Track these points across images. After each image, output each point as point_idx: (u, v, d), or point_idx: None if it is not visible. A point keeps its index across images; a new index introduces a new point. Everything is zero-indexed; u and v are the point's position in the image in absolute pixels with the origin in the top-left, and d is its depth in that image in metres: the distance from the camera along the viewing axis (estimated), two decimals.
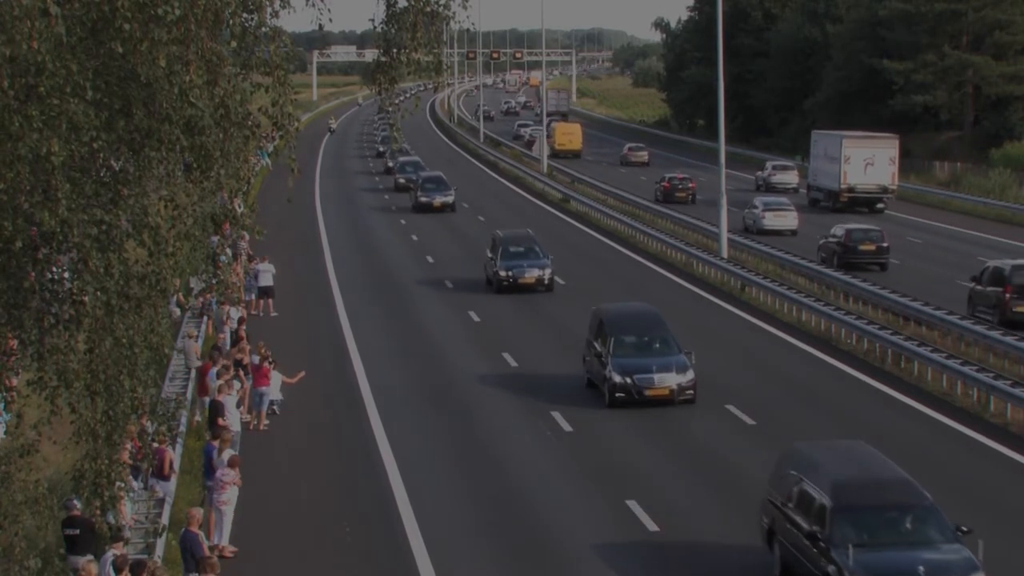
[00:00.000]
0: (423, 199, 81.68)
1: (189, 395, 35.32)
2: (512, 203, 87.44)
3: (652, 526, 27.42)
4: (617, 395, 36.01)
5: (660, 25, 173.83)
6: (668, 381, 36.12)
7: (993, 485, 29.99)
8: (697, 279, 57.01)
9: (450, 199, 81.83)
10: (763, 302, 50.75)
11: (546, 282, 53.79)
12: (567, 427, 34.67)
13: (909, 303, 46.67)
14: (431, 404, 37.38)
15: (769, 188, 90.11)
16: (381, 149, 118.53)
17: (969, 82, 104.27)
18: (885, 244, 58.65)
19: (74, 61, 15.02)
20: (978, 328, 42.05)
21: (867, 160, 78.49)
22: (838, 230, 59.50)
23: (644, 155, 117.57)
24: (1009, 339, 40.30)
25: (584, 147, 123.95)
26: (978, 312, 45.82)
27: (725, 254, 59.21)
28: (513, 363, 41.79)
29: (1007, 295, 44.63)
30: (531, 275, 53.74)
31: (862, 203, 78.96)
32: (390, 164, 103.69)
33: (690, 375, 36.29)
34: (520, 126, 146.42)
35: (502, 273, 53.72)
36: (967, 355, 40.16)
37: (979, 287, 46.42)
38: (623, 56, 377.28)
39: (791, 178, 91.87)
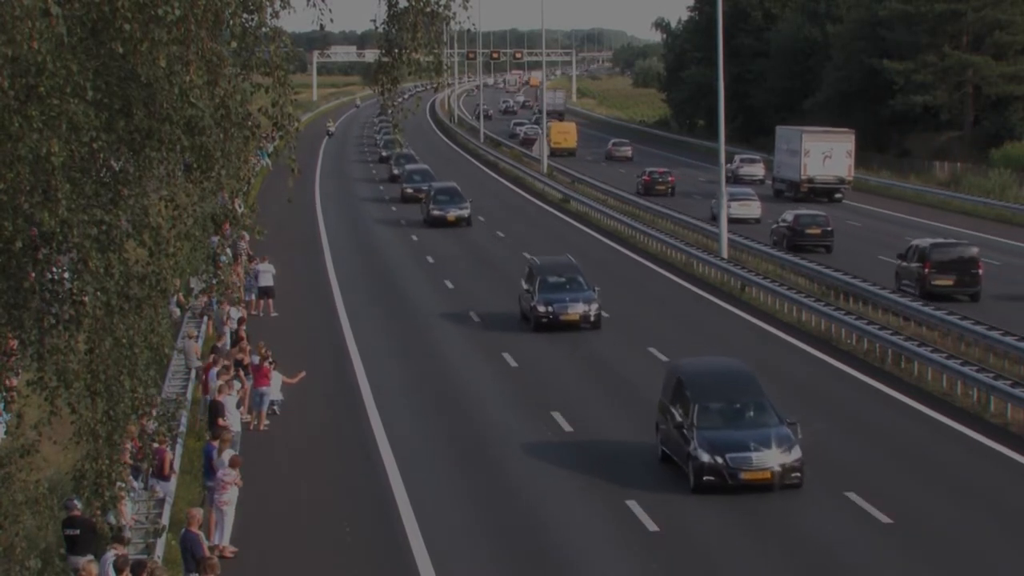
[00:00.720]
0: (436, 212, 74.65)
1: (189, 395, 35.33)
2: (512, 203, 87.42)
3: (652, 526, 27.41)
4: (705, 478, 29.13)
5: (660, 25, 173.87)
6: (769, 461, 28.96)
7: (993, 485, 29.98)
8: (697, 279, 57.00)
9: (465, 212, 74.75)
10: (763, 302, 50.75)
11: (592, 319, 45.97)
12: (567, 427, 34.65)
13: (909, 303, 46.75)
14: (431, 404, 37.38)
15: (737, 180, 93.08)
16: (384, 154, 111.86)
17: (969, 82, 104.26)
18: (830, 228, 64.14)
19: (74, 61, 15.03)
20: (978, 328, 42.10)
21: (825, 153, 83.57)
22: (788, 215, 65.21)
23: (628, 150, 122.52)
24: (1009, 339, 40.36)
25: (580, 146, 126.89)
26: (903, 286, 51.26)
27: (725, 254, 59.23)
28: (513, 363, 41.79)
29: (926, 270, 50.55)
30: (575, 311, 45.97)
31: (821, 193, 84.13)
32: (396, 172, 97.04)
33: (796, 453, 29.11)
34: (515, 124, 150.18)
35: (541, 308, 46.08)
36: (967, 355, 40.16)
37: (904, 263, 52.16)
38: (623, 56, 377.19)
39: (758, 170, 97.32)
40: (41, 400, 16.51)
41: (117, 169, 16.52)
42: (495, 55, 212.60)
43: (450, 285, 56.01)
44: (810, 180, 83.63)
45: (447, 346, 44.77)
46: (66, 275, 16.35)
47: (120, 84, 15.93)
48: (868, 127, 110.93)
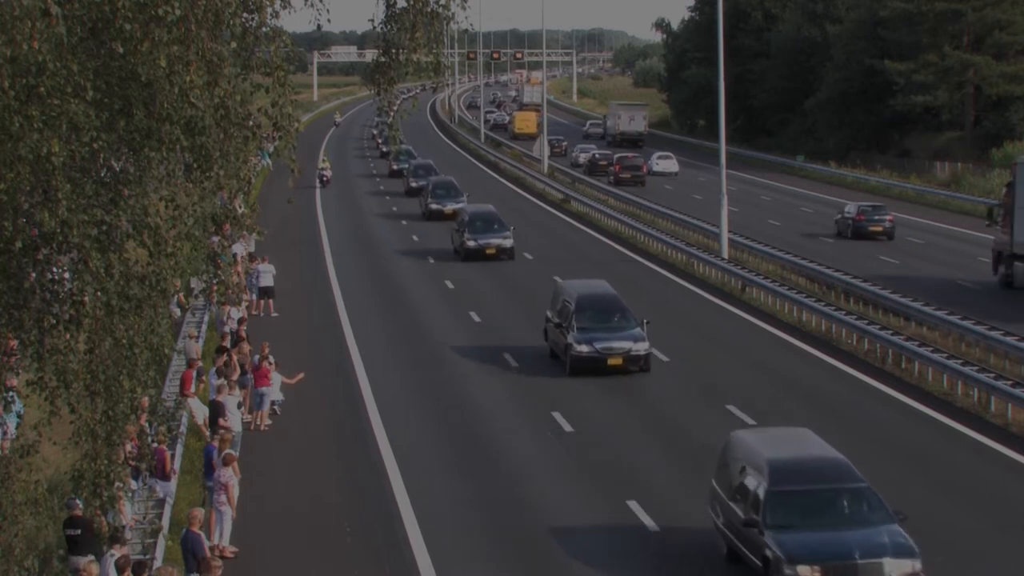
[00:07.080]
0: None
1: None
2: (513, 203, 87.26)
3: (652, 526, 27.42)
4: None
5: (661, 25, 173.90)
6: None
7: (993, 485, 29.99)
8: (698, 279, 56.98)
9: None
10: (763, 302, 50.74)
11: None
12: (567, 427, 34.66)
13: (910, 303, 46.76)
14: (431, 403, 37.37)
15: (587, 137, 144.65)
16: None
17: (970, 82, 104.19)
18: (633, 164, 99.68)
19: (75, 61, 15.04)
20: (979, 328, 42.15)
21: (631, 116, 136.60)
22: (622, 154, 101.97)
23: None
24: (1010, 339, 40.38)
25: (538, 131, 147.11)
26: (609, 181, 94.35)
27: (726, 254, 59.23)
28: (514, 363, 41.79)
29: (617, 169, 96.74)
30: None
31: (630, 142, 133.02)
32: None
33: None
34: (487, 112, 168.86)
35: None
36: (968, 356, 40.17)
37: (610, 168, 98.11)
38: (624, 56, 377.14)
39: (599, 130, 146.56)
40: (41, 400, 16.51)
41: (117, 169, 16.54)
42: (495, 55, 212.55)
43: (451, 285, 56.01)
44: (622, 134, 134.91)
45: (447, 345, 44.74)
46: (66, 275, 16.35)
47: (120, 84, 15.94)
48: (868, 127, 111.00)
